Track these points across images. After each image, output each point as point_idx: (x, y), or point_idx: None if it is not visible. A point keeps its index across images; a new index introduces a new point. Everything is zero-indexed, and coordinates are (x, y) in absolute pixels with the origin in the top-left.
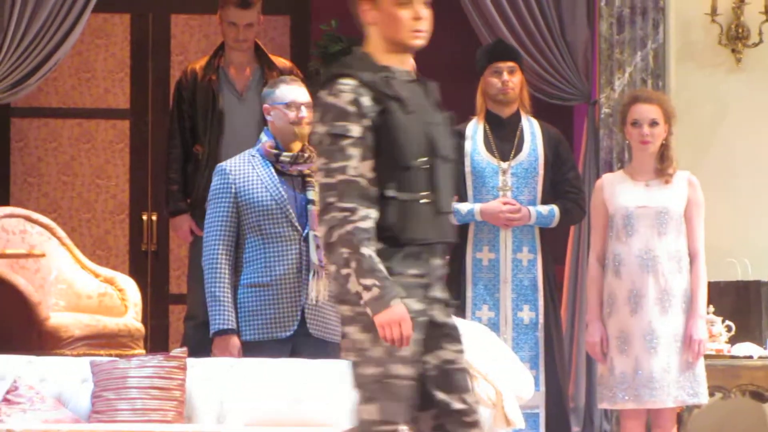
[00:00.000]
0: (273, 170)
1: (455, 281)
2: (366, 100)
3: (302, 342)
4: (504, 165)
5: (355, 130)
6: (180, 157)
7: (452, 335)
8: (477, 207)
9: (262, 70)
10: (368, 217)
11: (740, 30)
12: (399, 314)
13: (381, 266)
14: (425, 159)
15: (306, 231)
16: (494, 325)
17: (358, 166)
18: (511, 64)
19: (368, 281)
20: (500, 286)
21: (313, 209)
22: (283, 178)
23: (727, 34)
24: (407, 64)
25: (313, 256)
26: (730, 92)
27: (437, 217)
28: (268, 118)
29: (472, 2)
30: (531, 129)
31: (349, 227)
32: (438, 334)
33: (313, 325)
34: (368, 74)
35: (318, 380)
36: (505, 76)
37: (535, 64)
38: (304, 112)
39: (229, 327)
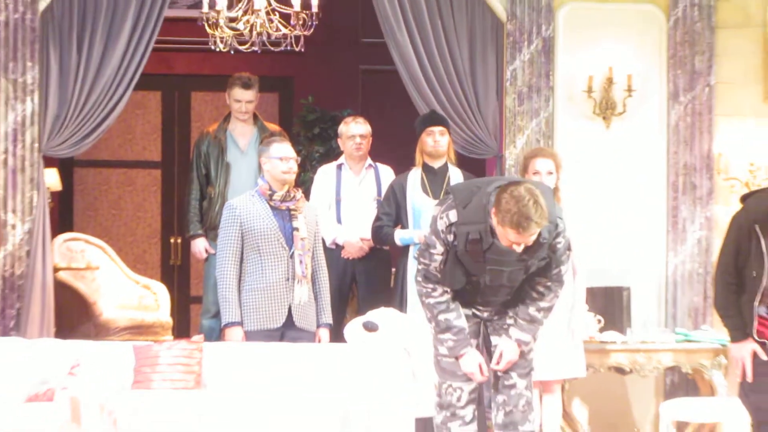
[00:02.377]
0: (267, 206)
1: (400, 287)
2: None
3: (288, 331)
4: (435, 202)
5: None
6: (197, 196)
7: None
8: (416, 233)
9: (259, 132)
10: None
11: (609, 103)
12: None
13: None
14: None
15: (291, 250)
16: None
17: None
18: (441, 128)
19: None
20: None
21: (296, 234)
22: (275, 211)
23: (600, 105)
24: None
25: (297, 269)
26: (601, 149)
27: None
28: (264, 167)
29: (413, 83)
30: (456, 175)
31: None
32: None
33: (297, 319)
34: None
35: (299, 358)
36: (437, 137)
37: (458, 128)
38: (291, 164)
39: (236, 320)
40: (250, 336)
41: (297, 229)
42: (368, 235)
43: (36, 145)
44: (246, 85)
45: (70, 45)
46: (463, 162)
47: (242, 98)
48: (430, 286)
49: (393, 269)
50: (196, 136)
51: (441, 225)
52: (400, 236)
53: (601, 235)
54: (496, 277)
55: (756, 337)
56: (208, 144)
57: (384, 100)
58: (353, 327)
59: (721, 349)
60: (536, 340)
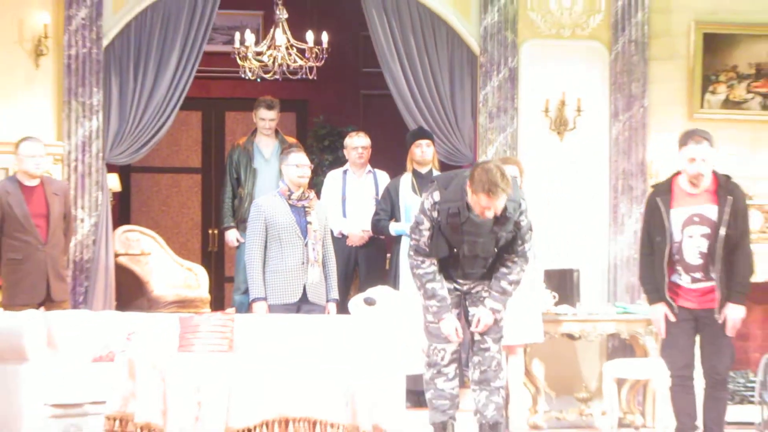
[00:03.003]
0: (287, 204)
1: (394, 269)
2: None
3: (303, 305)
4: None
5: None
6: (230, 195)
7: None
8: (407, 225)
9: (279, 144)
10: None
11: (562, 121)
12: None
13: None
14: None
15: (306, 240)
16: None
17: None
18: (427, 141)
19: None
20: None
21: (310, 227)
22: (292, 208)
23: (555, 123)
24: None
25: (311, 255)
26: (556, 158)
27: None
28: (284, 172)
29: (404, 104)
30: None
31: None
32: None
33: (310, 295)
34: None
35: (312, 327)
36: (424, 148)
37: (440, 140)
38: (305, 170)
39: (261, 296)
40: (272, 309)
41: (310, 223)
42: (368, 227)
43: (100, 154)
44: (269, 107)
45: (128, 74)
46: (444, 168)
47: (266, 117)
48: (420, 258)
49: (388, 255)
50: (230, 147)
51: (427, 204)
52: (394, 228)
53: (555, 227)
54: (472, 247)
55: (668, 300)
56: (238, 154)
57: (381, 118)
58: (356, 302)
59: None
60: (506, 309)
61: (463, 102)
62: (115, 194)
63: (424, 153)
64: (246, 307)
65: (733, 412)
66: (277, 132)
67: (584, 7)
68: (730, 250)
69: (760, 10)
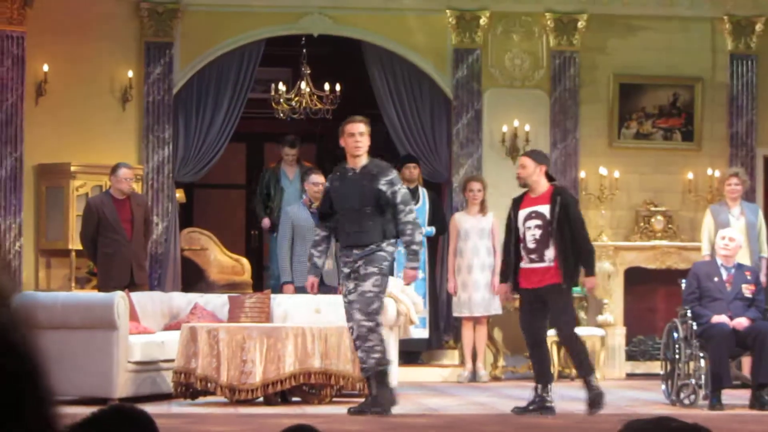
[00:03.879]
0: (308, 212)
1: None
2: None
3: (321, 287)
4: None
5: None
6: (262, 207)
7: None
8: None
9: (300, 169)
10: None
11: (515, 149)
12: None
13: None
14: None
15: None
16: None
17: None
18: (414, 164)
19: None
20: None
21: None
22: (312, 215)
23: (509, 150)
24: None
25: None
26: (510, 177)
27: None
28: (306, 188)
29: (396, 136)
30: (423, 193)
31: None
32: None
33: (326, 279)
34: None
35: (327, 303)
36: (411, 169)
37: (424, 164)
38: (321, 187)
39: (289, 280)
40: (298, 290)
41: None
42: None
43: (170, 174)
44: (292, 146)
45: (191, 115)
46: (427, 184)
47: (289, 153)
48: (318, 228)
49: None
50: (263, 171)
51: (328, 180)
52: None
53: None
54: (346, 199)
55: (513, 282)
56: (270, 175)
57: (379, 147)
58: None
59: (582, 297)
60: (386, 277)
61: (441, 135)
62: (181, 204)
63: (411, 173)
64: (278, 289)
65: (644, 367)
66: (298, 160)
67: (531, 65)
68: (567, 238)
69: (662, 66)
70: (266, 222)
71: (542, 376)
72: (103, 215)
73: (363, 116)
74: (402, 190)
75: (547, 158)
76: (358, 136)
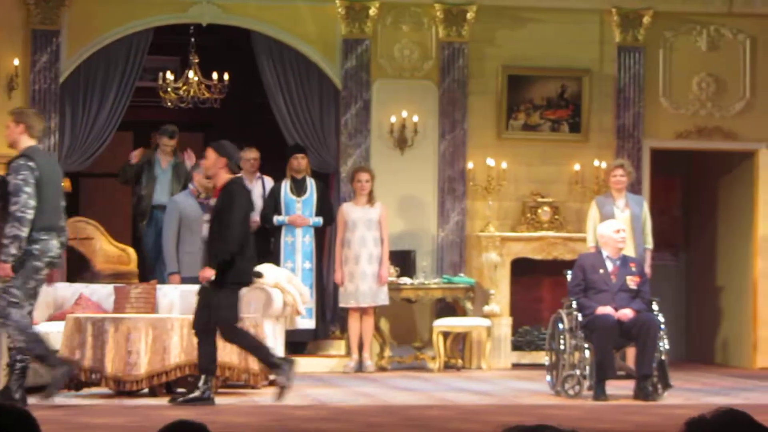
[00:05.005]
0: (196, 201)
1: (276, 250)
2: None
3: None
4: (298, 199)
5: None
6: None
7: None
8: (286, 218)
9: (174, 160)
10: None
11: (403, 139)
12: None
13: None
14: None
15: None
16: (292, 269)
17: None
18: (302, 154)
19: None
20: (296, 255)
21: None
22: (201, 205)
23: (397, 141)
24: None
25: (204, 234)
26: (398, 168)
27: None
28: (195, 178)
29: (285, 127)
30: (311, 183)
31: None
32: None
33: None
34: None
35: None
36: (300, 160)
37: (312, 154)
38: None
39: (176, 270)
40: (184, 281)
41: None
42: (258, 218)
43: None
44: (171, 136)
45: (78, 103)
46: (315, 174)
47: (168, 144)
48: None
49: (272, 239)
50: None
51: None
52: (276, 219)
53: (399, 218)
54: None
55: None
56: (144, 160)
57: (269, 136)
58: None
59: (469, 287)
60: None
61: (329, 125)
62: (67, 193)
63: (299, 163)
64: (164, 279)
65: (530, 357)
66: (174, 151)
67: (419, 55)
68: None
69: (550, 58)
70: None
71: (204, 367)
72: None
73: None
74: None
75: (230, 151)
76: None
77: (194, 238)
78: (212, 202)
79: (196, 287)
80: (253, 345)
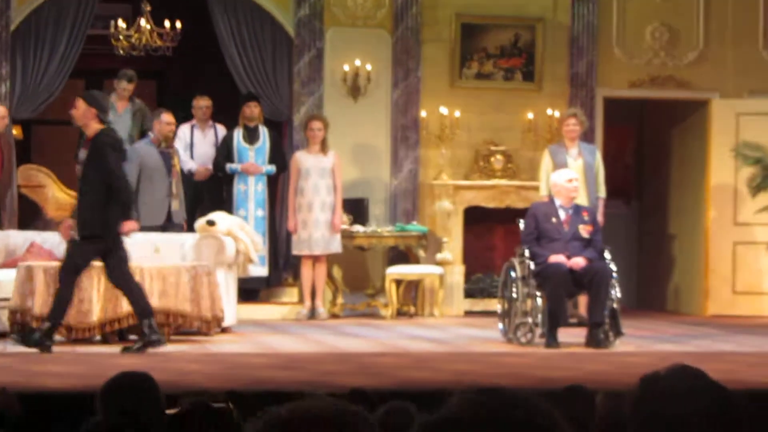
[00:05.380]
0: (157, 150)
1: (228, 198)
2: None
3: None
4: (251, 147)
5: None
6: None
7: None
8: (239, 166)
9: (131, 105)
10: None
11: (356, 88)
12: None
13: None
14: None
15: (170, 178)
16: (245, 217)
17: None
18: (255, 102)
19: None
20: (248, 203)
21: (174, 168)
22: (162, 154)
23: (351, 90)
24: None
25: (173, 189)
26: (352, 117)
27: None
28: (156, 127)
29: (238, 76)
30: (264, 131)
31: None
32: None
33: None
34: None
35: (167, 243)
36: (252, 108)
37: (265, 102)
38: (172, 126)
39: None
40: (143, 229)
41: (174, 165)
42: (211, 166)
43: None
44: (129, 80)
45: (29, 51)
46: (267, 122)
47: (127, 87)
48: None
49: (224, 187)
50: None
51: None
52: (229, 167)
53: (352, 167)
54: None
55: None
56: None
57: (222, 85)
58: (200, 223)
59: (422, 235)
60: None
61: (282, 73)
62: (18, 141)
63: (252, 111)
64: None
65: (483, 305)
66: (130, 97)
67: (372, 3)
68: (91, 187)
69: (504, 6)
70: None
71: (139, 312)
72: None
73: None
74: None
75: (100, 102)
76: None
77: (154, 187)
78: (173, 150)
79: (151, 235)
80: (65, 298)
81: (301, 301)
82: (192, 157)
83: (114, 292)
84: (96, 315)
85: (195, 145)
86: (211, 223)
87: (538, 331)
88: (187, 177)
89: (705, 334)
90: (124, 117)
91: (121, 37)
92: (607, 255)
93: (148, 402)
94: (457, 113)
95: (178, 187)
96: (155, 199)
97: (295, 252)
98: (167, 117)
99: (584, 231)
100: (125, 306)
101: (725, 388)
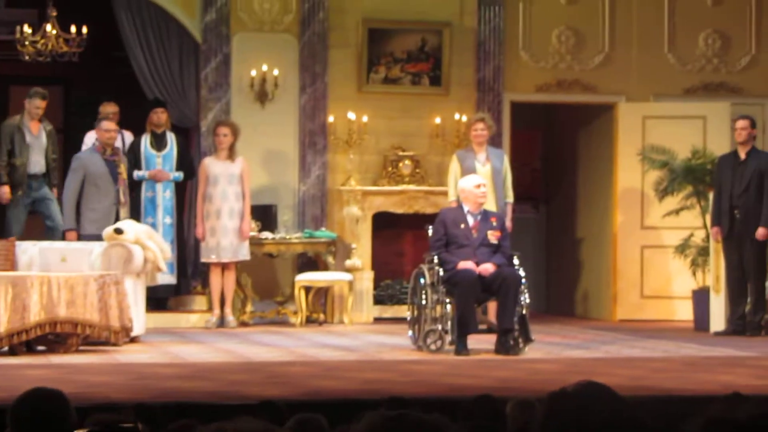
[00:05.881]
0: (101, 158)
1: (137, 207)
2: None
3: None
4: (159, 153)
5: None
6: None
7: None
8: (146, 173)
9: (43, 126)
10: None
11: (263, 93)
12: None
13: None
14: None
15: (116, 186)
16: (153, 225)
17: None
18: (161, 108)
19: None
20: (156, 210)
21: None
22: (106, 162)
23: (258, 95)
24: None
25: (122, 197)
26: (260, 122)
27: None
28: (98, 135)
29: (145, 81)
30: (171, 138)
31: None
32: None
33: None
34: None
35: (74, 252)
36: (160, 114)
37: (173, 108)
38: (113, 134)
39: (73, 227)
40: (84, 238)
41: (121, 173)
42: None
43: None
44: (44, 98)
45: None
46: (175, 128)
47: (40, 106)
48: None
49: (132, 194)
50: (13, 114)
51: None
52: (136, 174)
53: (260, 172)
54: None
55: None
56: (13, 130)
57: (130, 91)
58: (108, 231)
59: (331, 241)
60: None
61: (189, 79)
62: None
63: (159, 118)
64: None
65: (392, 311)
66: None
67: (279, 8)
68: None
69: (411, 11)
70: (4, 191)
71: None
72: None
73: None
74: None
75: None
76: None
77: (100, 195)
78: (118, 158)
79: (58, 244)
80: None
81: (210, 309)
82: None
83: (21, 302)
84: (3, 326)
85: None
86: (118, 231)
87: (448, 338)
88: None
89: (614, 339)
90: (40, 138)
91: (26, 43)
92: (515, 261)
93: (59, 421)
94: (365, 118)
95: (125, 195)
96: (102, 207)
97: (203, 259)
98: (107, 124)
99: (493, 237)
100: (32, 317)
101: (630, 404)
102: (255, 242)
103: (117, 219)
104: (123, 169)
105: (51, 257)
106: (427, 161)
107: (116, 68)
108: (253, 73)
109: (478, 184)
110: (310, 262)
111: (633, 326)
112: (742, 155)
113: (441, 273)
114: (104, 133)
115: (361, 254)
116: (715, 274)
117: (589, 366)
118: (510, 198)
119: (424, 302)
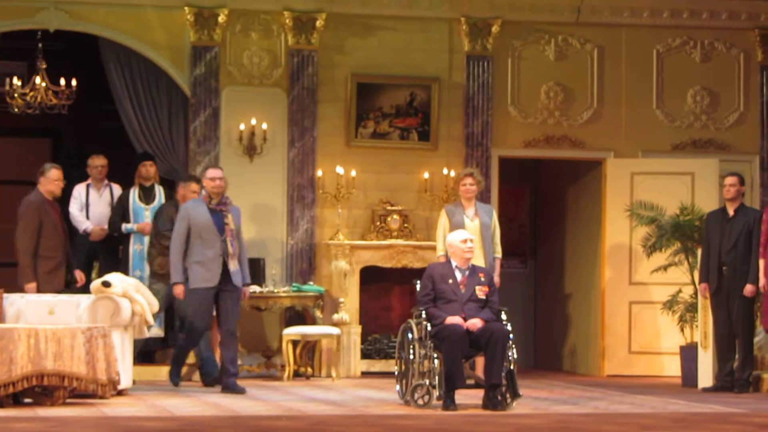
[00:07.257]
0: (207, 208)
1: (125, 259)
2: None
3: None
4: (147, 206)
5: None
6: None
7: None
8: (134, 226)
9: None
10: None
11: (252, 147)
12: None
13: None
14: None
15: (223, 236)
16: (141, 278)
17: None
18: (150, 162)
19: None
20: (144, 263)
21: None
22: (212, 212)
23: (246, 148)
24: None
25: (230, 248)
26: (248, 175)
27: None
28: (204, 185)
29: (134, 133)
30: (159, 191)
31: None
32: None
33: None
34: None
35: (62, 304)
36: (148, 167)
37: (161, 161)
38: (219, 182)
39: (180, 281)
40: (193, 291)
41: (227, 224)
42: (106, 226)
43: None
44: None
45: None
46: (163, 181)
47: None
48: None
49: (120, 247)
50: None
51: None
52: (125, 227)
53: (248, 226)
54: None
55: None
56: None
57: (117, 144)
58: (96, 284)
59: (319, 295)
60: None
61: (178, 132)
62: None
63: (148, 171)
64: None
65: (380, 365)
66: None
67: (269, 63)
68: None
69: (400, 66)
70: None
71: None
72: None
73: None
74: None
75: None
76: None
77: (204, 246)
78: (226, 208)
79: (46, 296)
80: None
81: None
82: (87, 216)
83: (8, 354)
84: None
85: (90, 204)
86: (106, 284)
87: (436, 393)
88: (82, 237)
89: (602, 395)
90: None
91: (16, 95)
92: (503, 316)
93: None
94: (353, 172)
95: (233, 246)
96: (206, 260)
97: None
98: (212, 172)
99: (481, 292)
100: (19, 369)
101: None
102: None
103: (225, 271)
104: (230, 219)
105: (38, 309)
106: (416, 216)
107: (105, 121)
108: (242, 126)
109: (464, 239)
110: (297, 315)
111: (621, 382)
112: (731, 212)
113: (429, 328)
114: (209, 182)
115: (349, 308)
116: (703, 330)
117: (577, 422)
118: (498, 253)
119: (411, 357)
